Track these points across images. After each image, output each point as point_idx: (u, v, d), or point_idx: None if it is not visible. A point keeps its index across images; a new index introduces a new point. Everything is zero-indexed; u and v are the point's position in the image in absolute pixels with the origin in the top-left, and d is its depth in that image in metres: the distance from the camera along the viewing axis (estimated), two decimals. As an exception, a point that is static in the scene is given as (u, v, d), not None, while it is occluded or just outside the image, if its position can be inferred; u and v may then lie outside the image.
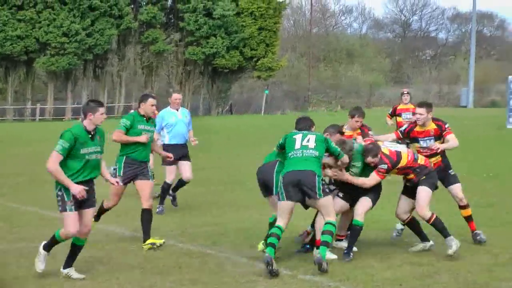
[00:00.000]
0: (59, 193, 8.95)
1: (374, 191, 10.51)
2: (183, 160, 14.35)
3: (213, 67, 61.40)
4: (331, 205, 9.84)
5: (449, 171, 11.18)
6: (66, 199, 8.92)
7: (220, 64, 60.08)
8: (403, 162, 10.32)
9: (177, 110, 14.61)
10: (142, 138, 11.18)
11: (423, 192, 10.36)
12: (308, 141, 9.90)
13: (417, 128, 11.05)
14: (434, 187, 10.51)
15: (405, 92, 18.61)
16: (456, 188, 11.11)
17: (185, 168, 14.40)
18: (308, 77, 66.49)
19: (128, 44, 61.78)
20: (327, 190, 9.90)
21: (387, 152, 10.42)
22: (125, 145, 11.29)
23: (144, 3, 61.22)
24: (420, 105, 11.11)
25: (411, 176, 10.50)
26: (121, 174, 11.06)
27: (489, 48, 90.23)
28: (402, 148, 10.67)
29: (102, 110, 9.14)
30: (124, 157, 11.19)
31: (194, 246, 11.12)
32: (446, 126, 11.01)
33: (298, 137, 10.00)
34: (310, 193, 9.65)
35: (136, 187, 11.26)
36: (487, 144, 29.60)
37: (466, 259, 10.03)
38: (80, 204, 9.00)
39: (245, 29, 60.39)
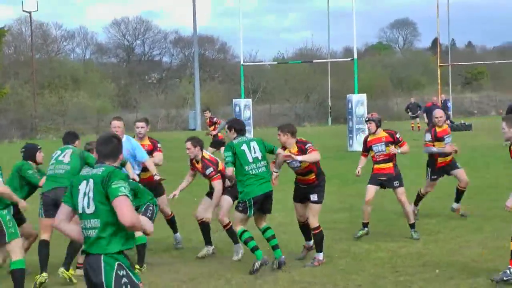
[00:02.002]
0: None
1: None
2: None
3: None
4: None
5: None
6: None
7: None
8: None
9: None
10: None
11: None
12: (254, 151, 11.08)
13: None
14: None
15: (366, 119, 14.03)
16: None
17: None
18: (33, 104, 64.63)
19: None
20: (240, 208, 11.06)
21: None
22: None
23: None
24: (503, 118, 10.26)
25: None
26: None
27: (212, 71, 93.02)
28: None
29: None
30: None
31: None
32: None
33: (245, 148, 11.04)
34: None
35: None
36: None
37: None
38: None
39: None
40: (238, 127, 11.50)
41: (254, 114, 38.27)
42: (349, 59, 44.94)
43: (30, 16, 67.05)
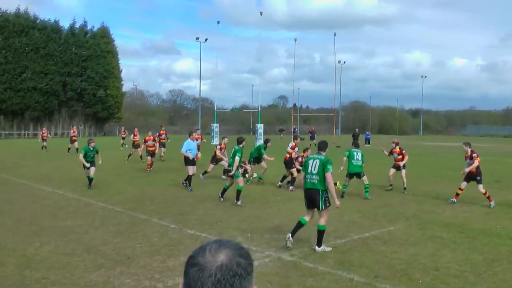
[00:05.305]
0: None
1: None
2: (194, 164, 27.13)
3: None
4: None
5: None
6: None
7: None
8: None
9: (193, 141, 27.44)
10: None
11: None
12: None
13: None
14: None
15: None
16: None
17: (193, 168, 26.98)
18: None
19: None
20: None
21: None
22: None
23: None
24: None
25: None
26: None
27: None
28: None
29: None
30: None
31: None
32: None
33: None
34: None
35: None
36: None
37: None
38: None
39: None
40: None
41: None
42: None
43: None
